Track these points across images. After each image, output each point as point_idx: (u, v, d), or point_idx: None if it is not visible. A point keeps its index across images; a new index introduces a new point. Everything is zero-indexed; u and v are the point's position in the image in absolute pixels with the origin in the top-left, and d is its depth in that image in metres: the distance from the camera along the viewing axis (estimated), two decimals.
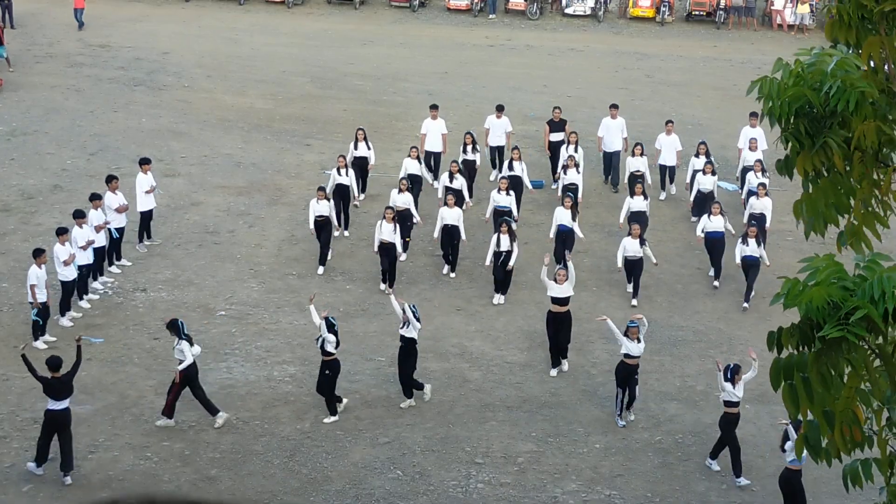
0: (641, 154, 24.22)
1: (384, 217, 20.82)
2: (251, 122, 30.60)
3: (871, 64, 8.10)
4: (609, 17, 44.57)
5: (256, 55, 37.30)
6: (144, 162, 22.44)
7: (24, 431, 16.60)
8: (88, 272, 20.30)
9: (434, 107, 25.96)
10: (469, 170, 24.12)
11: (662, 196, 25.51)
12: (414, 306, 17.63)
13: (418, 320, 17.50)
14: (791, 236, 23.47)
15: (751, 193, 22.85)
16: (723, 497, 15.88)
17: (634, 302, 20.86)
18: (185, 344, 16.58)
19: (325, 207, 21.70)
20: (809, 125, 8.08)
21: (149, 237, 22.72)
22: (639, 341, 17.16)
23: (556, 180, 25.44)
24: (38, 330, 18.79)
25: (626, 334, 17.16)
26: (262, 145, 28.84)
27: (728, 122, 31.90)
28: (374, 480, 15.92)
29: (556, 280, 18.42)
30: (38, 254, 18.67)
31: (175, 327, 16.77)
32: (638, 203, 22.16)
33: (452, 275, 21.77)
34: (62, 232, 19.39)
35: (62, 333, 18.83)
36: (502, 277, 20.84)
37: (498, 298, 20.86)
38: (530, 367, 18.89)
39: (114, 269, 21.53)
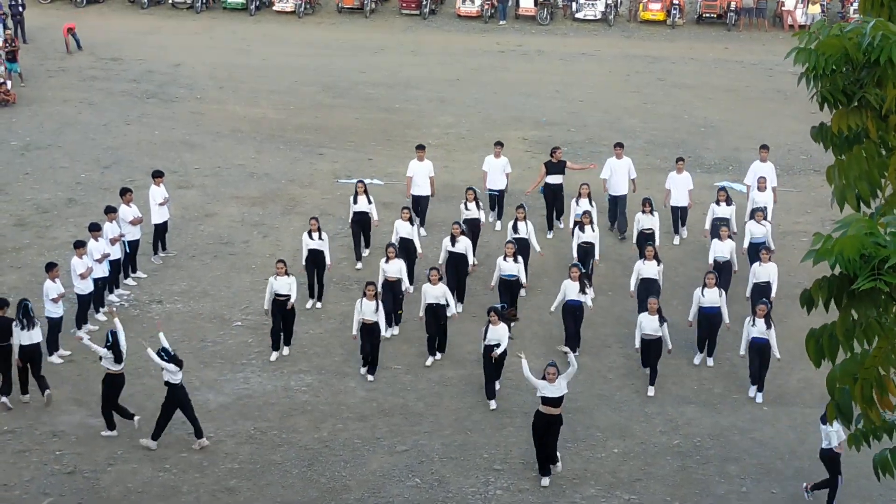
0: (651, 211, 21.68)
1: (364, 294, 18.22)
2: (263, 133, 30.69)
3: None
4: (619, 20, 44.57)
5: (268, 65, 37.42)
6: (157, 174, 22.50)
7: (43, 445, 16.65)
8: (104, 285, 20.35)
9: (421, 147, 23.76)
10: (473, 228, 21.80)
11: (676, 241, 23.58)
12: (163, 350, 16.32)
13: (172, 361, 16.17)
14: (805, 237, 23.37)
15: (753, 250, 20.80)
16: (743, 500, 15.81)
17: (651, 392, 18.36)
18: (16, 329, 17.35)
19: (284, 285, 18.94)
20: (847, 85, 7.98)
21: (164, 249, 22.78)
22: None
23: (550, 228, 23.86)
24: (53, 344, 18.85)
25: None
26: (274, 155, 28.91)
27: (741, 124, 31.90)
28: (392, 489, 15.90)
29: (545, 377, 15.68)
30: (51, 268, 18.74)
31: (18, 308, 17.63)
32: (650, 269, 19.75)
33: (430, 362, 19.16)
34: (80, 245, 19.46)
35: (78, 346, 18.86)
36: (493, 374, 17.91)
37: (492, 404, 17.90)
38: None
39: (129, 281, 21.59)
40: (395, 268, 19.58)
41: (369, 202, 22.16)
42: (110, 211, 20.85)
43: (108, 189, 25.44)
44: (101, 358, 16.72)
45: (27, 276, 21.60)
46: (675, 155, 28.95)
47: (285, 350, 19.31)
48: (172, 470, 16.24)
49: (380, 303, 18.28)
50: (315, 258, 20.63)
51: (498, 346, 17.51)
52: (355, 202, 22.17)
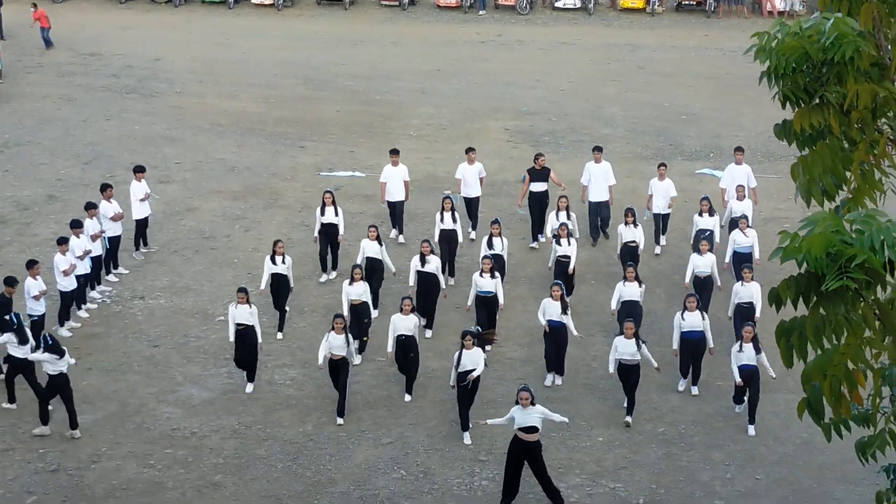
0: (634, 224, 20.92)
1: (332, 327, 17.03)
2: (244, 126, 30.59)
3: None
4: (599, 9, 44.56)
5: (247, 59, 37.29)
6: (139, 170, 22.44)
7: (27, 444, 16.60)
8: (86, 281, 20.27)
9: (395, 152, 22.87)
10: (449, 242, 21.02)
11: (657, 251, 22.69)
12: (46, 336, 16.40)
13: (50, 349, 16.17)
14: (787, 223, 23.44)
15: (738, 261, 20.11)
16: (727, 486, 15.87)
17: (629, 419, 17.29)
18: None
19: (245, 314, 17.82)
20: (808, 83, 8.03)
21: (145, 244, 22.71)
22: None
23: (535, 238, 22.83)
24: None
25: None
26: (255, 149, 28.82)
27: (721, 111, 31.97)
28: (378, 481, 15.91)
29: (518, 402, 15.01)
30: (32, 265, 18.67)
31: None
32: (631, 290, 18.88)
33: (408, 399, 18.02)
34: (63, 241, 19.39)
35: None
36: (467, 403, 16.84)
37: (466, 437, 16.88)
38: (531, 363, 18.86)
39: (111, 277, 21.52)
40: (360, 290, 18.66)
41: (336, 213, 21.21)
42: (91, 207, 20.78)
43: (88, 185, 25.33)
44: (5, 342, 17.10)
45: (8, 274, 21.46)
46: (656, 143, 29.14)
47: (248, 388, 18.14)
48: (157, 466, 16.21)
49: (349, 335, 17.14)
50: (278, 283, 19.59)
51: (472, 371, 16.60)
52: (322, 213, 21.16)
